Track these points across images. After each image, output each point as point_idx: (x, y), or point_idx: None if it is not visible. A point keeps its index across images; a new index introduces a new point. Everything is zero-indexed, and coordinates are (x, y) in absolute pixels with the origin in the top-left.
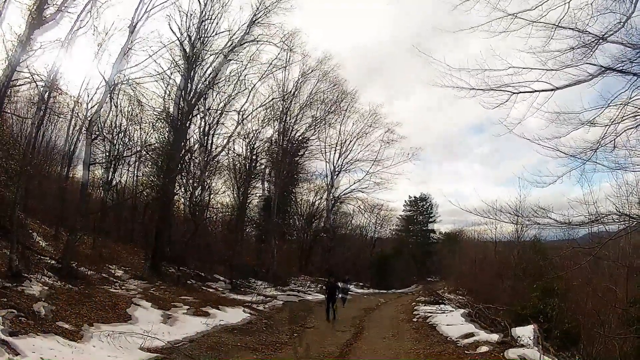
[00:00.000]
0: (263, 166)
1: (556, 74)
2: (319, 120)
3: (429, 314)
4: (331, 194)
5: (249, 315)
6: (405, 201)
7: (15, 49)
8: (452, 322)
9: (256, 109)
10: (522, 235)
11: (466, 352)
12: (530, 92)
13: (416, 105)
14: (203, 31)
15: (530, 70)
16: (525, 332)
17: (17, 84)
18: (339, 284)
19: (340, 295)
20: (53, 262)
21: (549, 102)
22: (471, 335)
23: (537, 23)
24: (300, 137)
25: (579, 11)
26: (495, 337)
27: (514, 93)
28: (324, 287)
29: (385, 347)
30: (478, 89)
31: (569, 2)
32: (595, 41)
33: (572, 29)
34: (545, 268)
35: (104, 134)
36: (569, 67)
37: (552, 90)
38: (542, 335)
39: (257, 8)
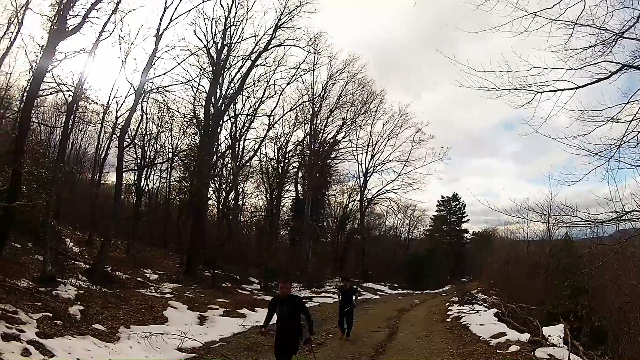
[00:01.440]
0: (295, 169)
1: (577, 72)
2: (348, 122)
3: (462, 314)
4: (364, 196)
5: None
6: (438, 201)
7: (39, 59)
8: (484, 322)
9: (286, 112)
10: (554, 234)
11: (497, 351)
12: (554, 91)
13: (441, 101)
14: (228, 37)
15: (551, 70)
16: (555, 332)
17: (43, 93)
18: (355, 287)
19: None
20: (87, 266)
21: (572, 100)
22: (502, 334)
23: (557, 21)
24: (331, 140)
25: (595, 8)
26: (525, 336)
27: (538, 92)
28: (337, 293)
29: (419, 347)
30: (503, 89)
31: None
32: (613, 38)
33: (590, 25)
34: (574, 266)
35: (135, 141)
36: (589, 66)
37: (574, 88)
38: (572, 334)
39: (281, 12)
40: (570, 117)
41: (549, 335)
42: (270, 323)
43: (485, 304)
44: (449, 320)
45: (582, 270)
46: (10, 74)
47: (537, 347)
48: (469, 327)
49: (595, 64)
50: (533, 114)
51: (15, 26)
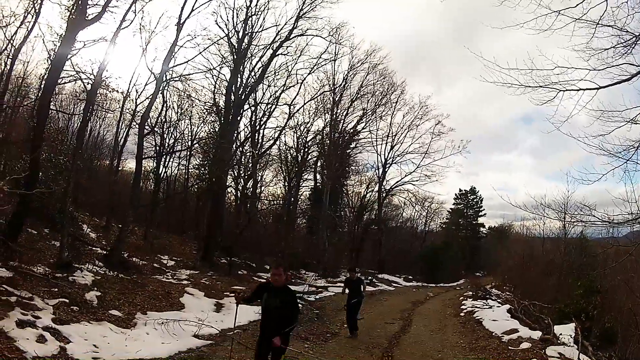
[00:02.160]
0: (314, 158)
1: (599, 72)
2: (369, 113)
3: (476, 309)
4: (382, 186)
5: (300, 305)
6: (455, 194)
7: (58, 47)
8: (497, 317)
9: (307, 102)
10: (569, 232)
11: (509, 347)
12: (576, 90)
13: (462, 95)
14: (250, 26)
15: (574, 70)
16: (567, 330)
17: (62, 81)
18: (363, 278)
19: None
20: (104, 252)
21: (593, 100)
22: (515, 331)
23: (580, 21)
24: (351, 130)
25: (617, 9)
26: (537, 334)
27: (561, 90)
28: (343, 285)
29: (432, 340)
30: (527, 86)
31: (606, 0)
32: (633, 40)
33: (611, 26)
34: (589, 266)
35: (155, 128)
36: (610, 67)
37: (595, 89)
38: (582, 334)
39: (303, 2)
40: (591, 117)
41: (560, 334)
42: (248, 303)
43: (499, 300)
44: (462, 314)
45: (595, 270)
46: (28, 62)
47: (548, 346)
48: (482, 322)
49: (617, 65)
50: (555, 112)
51: (32, 16)
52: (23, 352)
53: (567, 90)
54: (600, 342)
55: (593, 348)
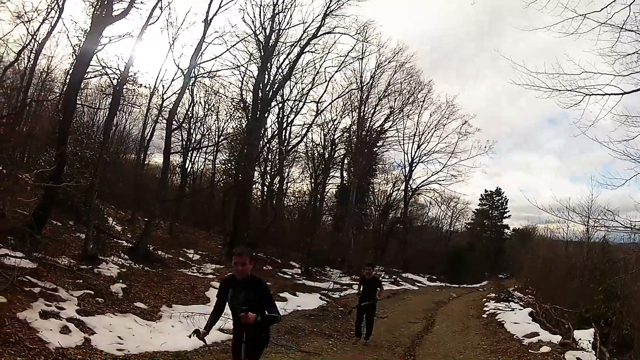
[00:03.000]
0: (341, 156)
1: (624, 78)
2: (396, 111)
3: (498, 311)
4: (408, 185)
5: (325, 302)
6: (481, 195)
7: (83, 43)
8: (519, 320)
9: (335, 99)
10: (592, 236)
11: (529, 350)
12: (601, 95)
13: (487, 93)
14: (277, 23)
15: (600, 75)
16: (586, 336)
17: (88, 76)
18: (381, 278)
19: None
20: (129, 245)
21: (618, 105)
22: (535, 334)
23: (605, 25)
24: (378, 128)
25: None
26: (557, 338)
27: (587, 95)
28: (357, 284)
29: (454, 341)
30: (554, 89)
31: (630, 5)
32: None
33: (634, 31)
34: (611, 271)
35: (182, 124)
36: (635, 73)
37: (620, 94)
38: (601, 340)
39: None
40: (616, 122)
41: (579, 339)
42: (215, 323)
43: (521, 303)
44: (484, 316)
45: (617, 275)
46: (52, 57)
47: (567, 350)
48: (504, 325)
49: None
50: (581, 116)
51: (55, 11)
52: (46, 343)
53: (592, 94)
54: (618, 348)
55: (610, 354)
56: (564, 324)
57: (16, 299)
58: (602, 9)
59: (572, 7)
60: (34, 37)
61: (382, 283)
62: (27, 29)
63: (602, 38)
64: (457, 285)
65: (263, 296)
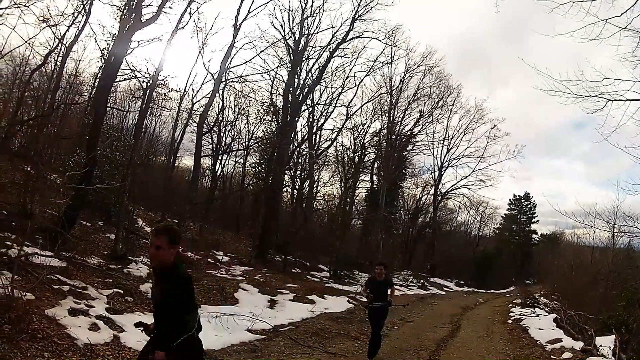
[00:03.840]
0: (371, 160)
1: None
2: (425, 115)
3: (523, 317)
4: (437, 190)
5: (352, 305)
6: (510, 200)
7: (112, 47)
8: (543, 326)
9: (364, 103)
10: (617, 242)
11: (552, 357)
12: (623, 100)
13: (515, 96)
14: (306, 28)
15: (621, 82)
16: (607, 342)
17: (117, 79)
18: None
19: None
20: None
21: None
22: (559, 340)
23: (626, 30)
24: (408, 132)
25: None
26: (579, 344)
27: (609, 100)
28: (363, 288)
29: (478, 346)
30: (578, 95)
31: None
32: None
33: None
34: (634, 277)
35: (212, 128)
36: None
37: None
38: (621, 346)
39: (358, 4)
40: (638, 127)
41: (600, 345)
42: None
43: (546, 309)
44: (509, 321)
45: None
46: (80, 60)
47: (588, 357)
48: (528, 330)
49: None
50: (604, 122)
51: (82, 15)
52: (74, 339)
53: (615, 100)
54: (638, 355)
55: None
56: (587, 331)
57: (45, 297)
58: (622, 14)
59: (593, 12)
60: (61, 40)
61: (395, 286)
62: (54, 33)
63: (622, 43)
64: (484, 291)
65: (172, 295)
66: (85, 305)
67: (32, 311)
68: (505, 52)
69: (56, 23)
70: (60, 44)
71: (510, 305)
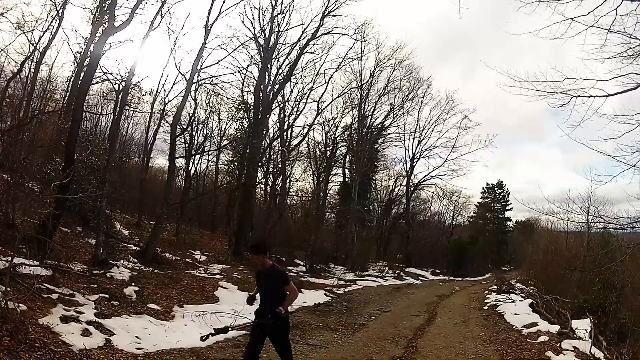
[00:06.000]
0: (343, 153)
1: (609, 80)
2: (396, 108)
3: (499, 303)
4: (410, 181)
5: (329, 298)
6: (483, 188)
7: (87, 52)
8: (518, 311)
9: (335, 98)
10: (592, 227)
11: (528, 340)
12: (587, 97)
13: (496, 79)
14: (276, 25)
15: (582, 80)
16: (584, 325)
17: (91, 82)
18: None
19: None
20: (137, 248)
21: (604, 106)
22: (534, 325)
23: (592, 28)
24: (379, 125)
25: (626, 17)
26: (555, 328)
27: (573, 96)
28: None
29: (455, 332)
30: (542, 92)
31: (616, 9)
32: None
33: (621, 32)
34: (609, 262)
35: (184, 127)
36: (618, 77)
37: (605, 96)
38: (598, 329)
39: (328, 0)
40: (604, 121)
41: (576, 328)
42: None
43: (522, 294)
44: (485, 308)
45: (612, 262)
46: (53, 66)
47: (564, 339)
48: (504, 316)
49: (625, 75)
50: (569, 117)
51: (56, 20)
52: (69, 346)
53: (579, 96)
54: (617, 337)
55: (607, 343)
56: (563, 314)
57: (36, 306)
58: (588, 13)
59: (560, 10)
60: (36, 46)
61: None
62: (29, 39)
63: (588, 41)
64: (460, 279)
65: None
66: (75, 311)
67: (27, 321)
68: (485, 35)
69: (31, 29)
70: (35, 50)
71: (486, 292)
